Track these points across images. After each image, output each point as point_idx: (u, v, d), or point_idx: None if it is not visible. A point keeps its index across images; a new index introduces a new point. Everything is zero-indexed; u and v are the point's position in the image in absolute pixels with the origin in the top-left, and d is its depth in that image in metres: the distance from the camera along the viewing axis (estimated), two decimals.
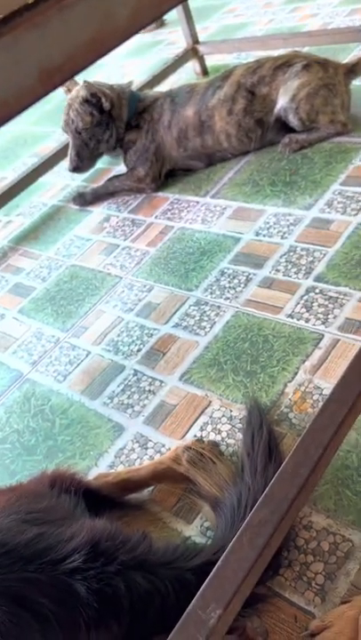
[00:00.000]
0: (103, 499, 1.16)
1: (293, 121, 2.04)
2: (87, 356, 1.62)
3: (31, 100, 0.38)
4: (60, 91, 2.25)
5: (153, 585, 0.91)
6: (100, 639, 0.87)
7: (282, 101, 2.03)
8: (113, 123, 2.17)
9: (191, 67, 2.99)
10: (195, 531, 1.12)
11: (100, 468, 1.29)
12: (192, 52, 2.88)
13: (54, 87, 0.39)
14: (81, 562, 0.88)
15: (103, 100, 2.10)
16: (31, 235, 2.31)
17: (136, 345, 1.58)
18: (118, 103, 2.16)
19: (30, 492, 1.14)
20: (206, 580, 0.80)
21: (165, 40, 3.68)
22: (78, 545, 0.92)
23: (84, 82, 2.13)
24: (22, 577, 0.88)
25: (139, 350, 1.56)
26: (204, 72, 2.97)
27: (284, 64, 2.05)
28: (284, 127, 2.11)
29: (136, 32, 0.43)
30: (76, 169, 2.26)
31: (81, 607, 0.85)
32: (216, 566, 0.81)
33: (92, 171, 2.44)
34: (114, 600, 0.87)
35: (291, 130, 2.10)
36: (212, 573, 0.81)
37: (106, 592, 0.87)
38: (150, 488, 1.20)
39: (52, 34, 0.38)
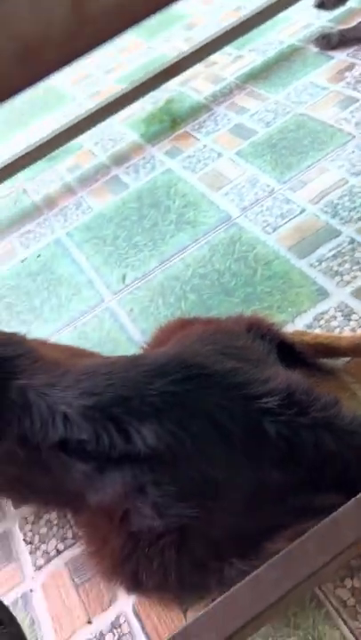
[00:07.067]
0: (295, 355, 1.14)
1: None
2: (301, 212, 1.52)
3: None
4: None
5: (339, 449, 0.89)
6: (276, 481, 0.89)
7: None
8: None
9: None
10: None
11: (296, 325, 1.26)
12: None
13: None
14: (276, 405, 0.89)
15: None
16: (262, 74, 2.14)
17: (358, 212, 1.45)
18: None
19: (227, 329, 1.15)
20: None
21: None
22: (274, 388, 0.91)
23: None
24: (217, 402, 0.90)
25: (360, 218, 1.43)
26: None
27: None
28: None
29: None
30: (322, 5, 2.01)
31: (268, 446, 0.87)
32: None
33: (342, 9, 2.15)
34: (300, 451, 0.87)
35: None
36: None
37: (294, 441, 0.87)
38: (345, 359, 1.16)
39: None
